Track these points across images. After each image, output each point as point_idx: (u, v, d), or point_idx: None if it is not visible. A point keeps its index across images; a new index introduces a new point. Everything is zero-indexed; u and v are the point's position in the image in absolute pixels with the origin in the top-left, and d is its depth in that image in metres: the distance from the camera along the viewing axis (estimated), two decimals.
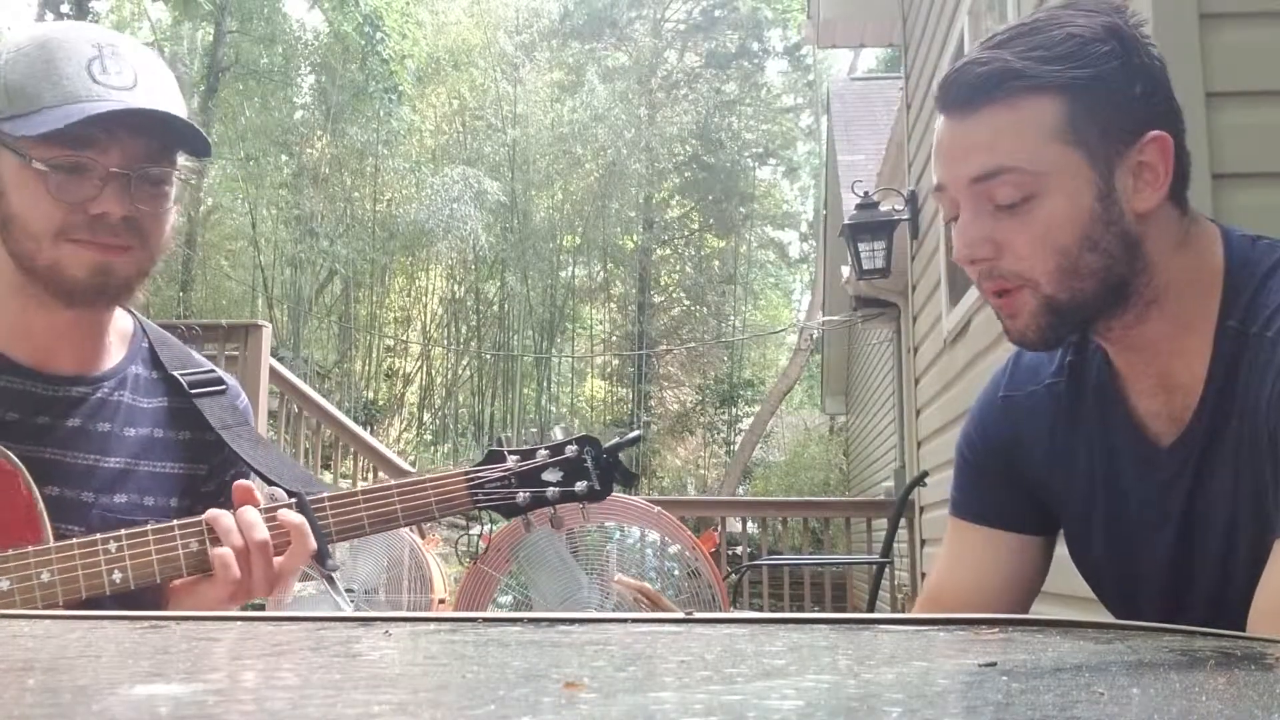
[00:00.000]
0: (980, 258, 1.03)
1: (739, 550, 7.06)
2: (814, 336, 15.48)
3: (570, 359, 22.14)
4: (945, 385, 4.62)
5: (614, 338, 22.90)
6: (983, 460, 1.22)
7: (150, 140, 1.12)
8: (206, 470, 1.27)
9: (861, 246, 6.03)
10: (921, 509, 5.56)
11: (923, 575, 5.48)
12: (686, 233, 23.76)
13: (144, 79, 1.12)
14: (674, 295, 23.43)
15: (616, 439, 1.23)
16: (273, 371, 5.68)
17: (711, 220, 23.35)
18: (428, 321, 21.19)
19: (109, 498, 1.18)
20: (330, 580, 1.18)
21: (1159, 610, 1.10)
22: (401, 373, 20.40)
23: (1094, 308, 1.02)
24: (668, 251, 23.81)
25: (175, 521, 1.11)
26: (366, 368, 19.71)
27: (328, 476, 6.73)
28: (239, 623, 0.67)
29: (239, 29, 18.35)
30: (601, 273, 22.66)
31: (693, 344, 22.21)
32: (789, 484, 16.45)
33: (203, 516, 1.11)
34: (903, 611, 5.89)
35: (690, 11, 23.82)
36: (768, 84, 24.36)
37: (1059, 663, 0.51)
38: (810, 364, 18.36)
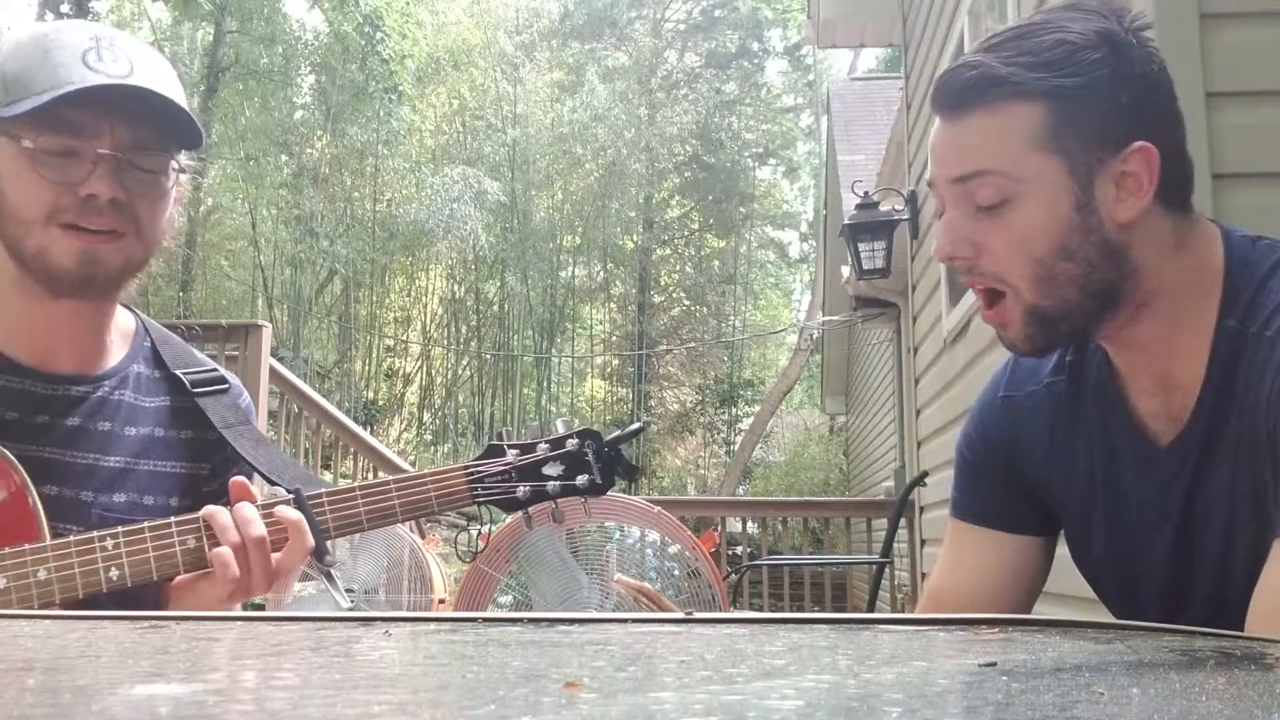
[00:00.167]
0: (959, 256, 1.05)
1: (739, 550, 7.06)
2: (814, 336, 15.48)
3: (570, 359, 22.14)
4: (945, 385, 4.62)
5: (614, 338, 22.90)
6: (983, 460, 1.23)
7: (143, 126, 1.12)
8: (209, 469, 1.27)
9: (861, 246, 6.03)
10: (921, 509, 5.56)
11: (923, 575, 5.48)
12: (686, 233, 23.76)
13: (140, 69, 1.12)
14: (674, 295, 23.43)
15: (618, 432, 1.22)
16: (273, 371, 5.68)
17: (711, 220, 23.35)
18: (428, 321, 21.19)
19: (108, 497, 1.17)
20: (329, 576, 1.18)
21: (1159, 609, 1.10)
22: (401, 373, 20.40)
23: (1082, 314, 1.03)
24: (668, 251, 23.81)
25: (172, 519, 1.11)
26: (366, 368, 19.71)
27: (328, 476, 6.73)
28: (239, 623, 0.67)
29: (239, 29, 18.35)
30: (601, 273, 22.66)
31: (693, 344, 22.21)
32: (789, 484, 16.45)
33: (199, 513, 1.11)
34: (903, 612, 5.89)
35: (690, 11, 23.82)
36: (768, 84, 24.37)
37: (1059, 663, 0.51)
38: (810, 364, 18.36)
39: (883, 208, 6.05)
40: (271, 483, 1.19)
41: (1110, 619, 1.12)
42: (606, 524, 3.29)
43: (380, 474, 6.18)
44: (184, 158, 1.19)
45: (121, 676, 0.47)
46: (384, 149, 18.36)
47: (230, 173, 18.30)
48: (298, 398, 6.09)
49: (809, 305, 18.01)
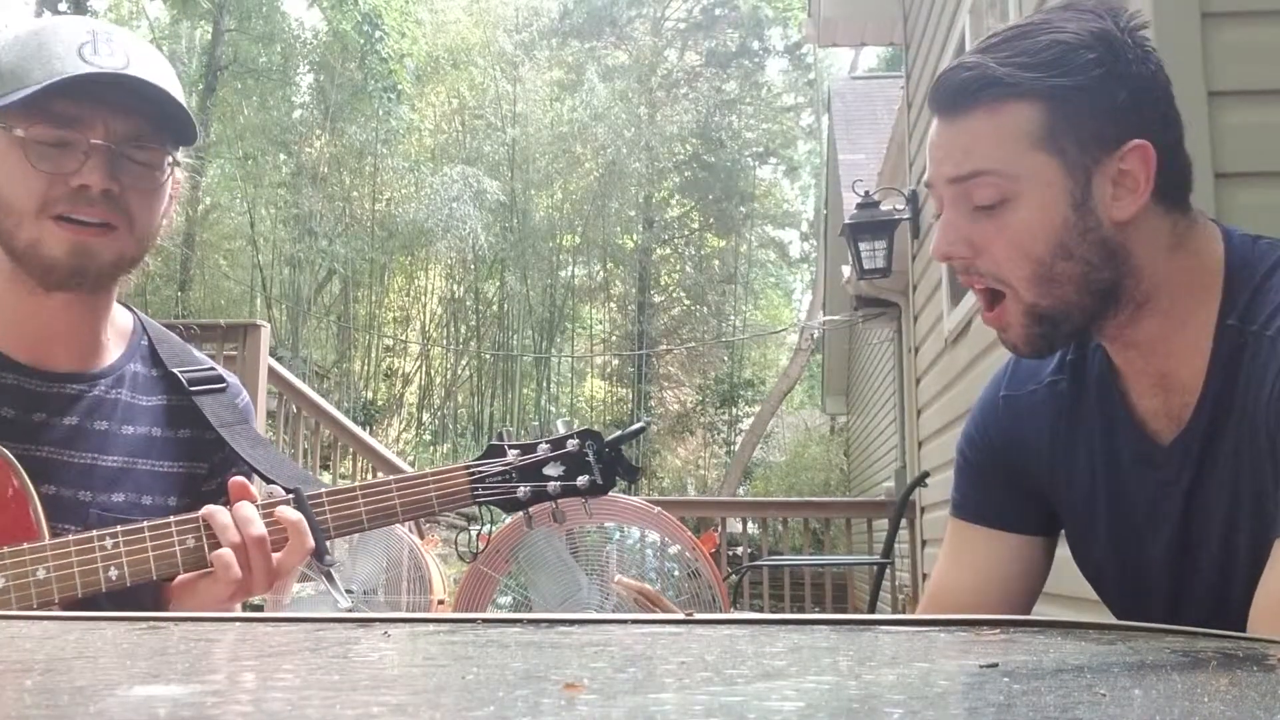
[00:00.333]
0: (957, 256, 1.05)
1: (739, 551, 7.06)
2: (814, 336, 15.49)
3: (570, 359, 22.15)
4: (946, 385, 4.62)
5: (614, 338, 22.90)
6: (983, 460, 1.22)
7: (137, 118, 1.11)
8: (206, 469, 1.26)
9: (862, 246, 6.03)
10: (922, 509, 5.56)
11: (924, 576, 5.48)
12: (686, 232, 23.77)
13: (137, 63, 1.11)
14: (674, 295, 23.43)
15: (619, 432, 1.22)
16: (271, 371, 5.68)
17: (711, 220, 23.35)
18: (427, 321, 21.20)
19: (106, 497, 1.17)
20: (328, 576, 1.17)
21: (1160, 609, 1.10)
22: (400, 373, 20.40)
23: (1082, 314, 1.03)
24: (668, 251, 23.81)
25: (171, 519, 1.10)
26: (365, 367, 19.71)
27: (326, 477, 6.72)
28: (237, 624, 0.67)
29: (237, 27, 18.34)
30: (601, 272, 22.66)
31: (693, 344, 22.21)
32: (789, 484, 16.46)
33: (199, 513, 1.11)
34: (904, 612, 5.89)
35: (690, 10, 23.82)
36: (768, 83, 24.37)
37: (1060, 664, 0.51)
38: (811, 364, 18.37)
39: (883, 207, 6.05)
40: (269, 482, 1.19)
41: (1111, 619, 1.12)
42: (606, 525, 3.29)
43: (379, 475, 6.18)
44: (181, 155, 1.18)
45: (120, 677, 0.47)
46: (383, 148, 18.36)
47: (229, 172, 18.31)
48: (296, 398, 6.09)
49: (809, 305, 18.02)
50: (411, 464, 11.18)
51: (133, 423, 1.21)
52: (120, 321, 1.27)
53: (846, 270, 7.42)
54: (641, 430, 1.34)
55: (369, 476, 6.39)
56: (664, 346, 22.16)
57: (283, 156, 19.14)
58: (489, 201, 18.30)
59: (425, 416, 20.47)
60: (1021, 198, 1.01)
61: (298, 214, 18.26)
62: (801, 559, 7.72)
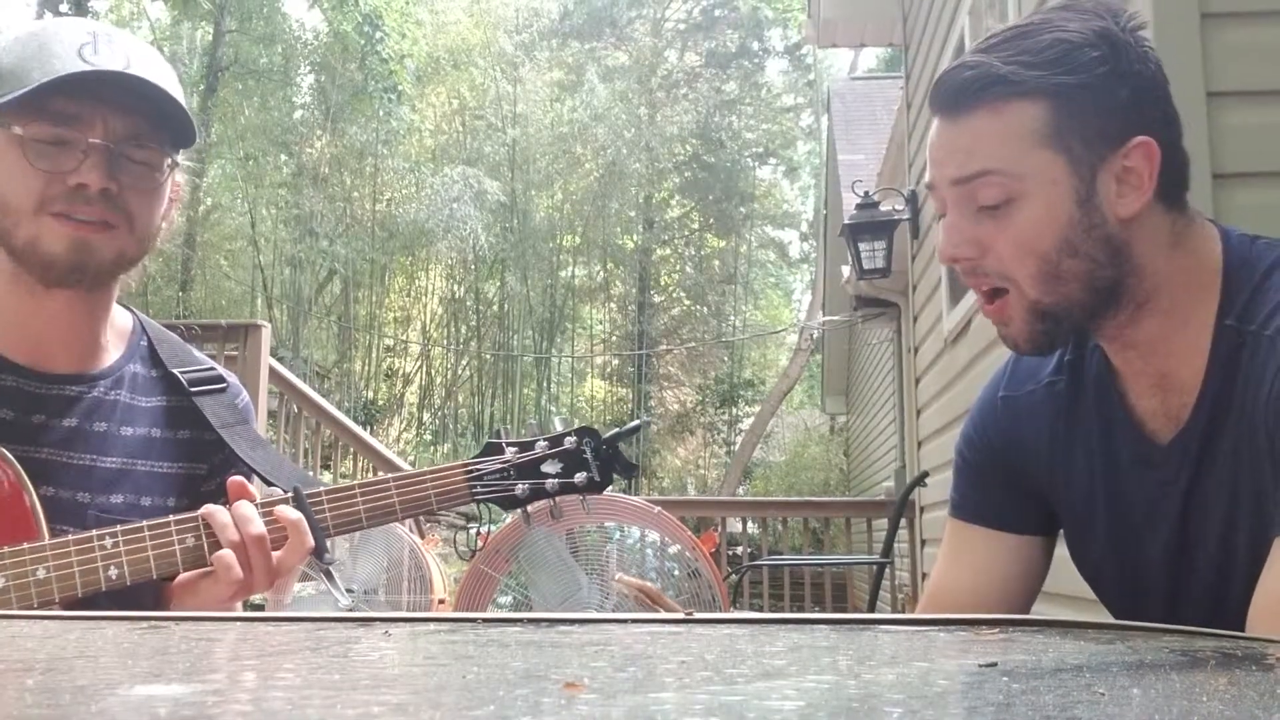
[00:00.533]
0: (963, 257, 1.05)
1: (739, 550, 7.06)
2: (814, 336, 15.48)
3: (570, 359, 22.14)
4: (946, 385, 4.62)
5: (614, 338, 22.90)
6: (982, 460, 1.23)
7: (136, 118, 1.11)
8: (206, 469, 1.26)
9: (862, 246, 6.03)
10: (922, 509, 5.56)
11: (923, 575, 5.48)
12: (686, 232, 23.76)
13: (137, 64, 1.11)
14: (674, 295, 23.43)
15: (616, 429, 1.22)
16: (272, 371, 5.67)
17: (712, 220, 23.35)
18: (427, 321, 21.19)
19: (105, 498, 1.17)
20: (328, 574, 1.18)
21: (1159, 608, 1.10)
22: (401, 373, 20.40)
23: (1083, 311, 1.03)
24: (668, 251, 23.80)
25: (171, 518, 1.10)
26: (366, 368, 19.71)
27: (327, 477, 6.72)
28: (238, 623, 0.67)
29: (238, 28, 18.34)
30: (601, 273, 22.66)
31: (693, 344, 22.21)
32: (789, 484, 16.45)
33: (198, 512, 1.11)
34: (903, 612, 5.89)
35: (690, 11, 23.81)
36: (768, 83, 24.36)
37: (1059, 663, 0.51)
38: (810, 364, 18.36)
39: (883, 207, 6.05)
40: (269, 483, 1.19)
41: (1110, 619, 1.12)
42: (606, 524, 3.29)
43: (380, 474, 6.17)
44: (181, 157, 1.18)
45: (121, 677, 0.47)
46: (383, 149, 18.36)
47: (229, 172, 18.30)
48: (297, 398, 6.08)
49: (809, 305, 18.01)
50: (412, 464, 11.19)
51: (132, 424, 1.21)
52: (120, 322, 1.27)
53: (846, 270, 7.42)
54: (639, 428, 1.34)
55: (370, 476, 6.38)
56: (664, 346, 22.15)
57: (283, 157, 19.13)
58: (489, 202, 18.30)
59: (426, 416, 20.47)
60: (1027, 196, 1.01)
61: (298, 214, 18.25)
62: (801, 559, 7.72)
